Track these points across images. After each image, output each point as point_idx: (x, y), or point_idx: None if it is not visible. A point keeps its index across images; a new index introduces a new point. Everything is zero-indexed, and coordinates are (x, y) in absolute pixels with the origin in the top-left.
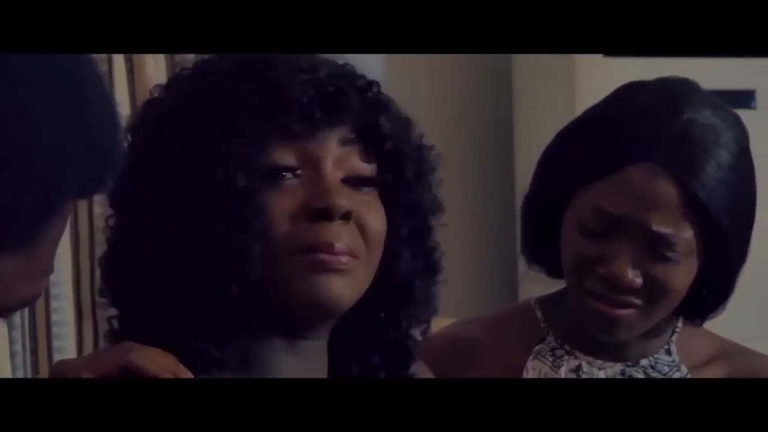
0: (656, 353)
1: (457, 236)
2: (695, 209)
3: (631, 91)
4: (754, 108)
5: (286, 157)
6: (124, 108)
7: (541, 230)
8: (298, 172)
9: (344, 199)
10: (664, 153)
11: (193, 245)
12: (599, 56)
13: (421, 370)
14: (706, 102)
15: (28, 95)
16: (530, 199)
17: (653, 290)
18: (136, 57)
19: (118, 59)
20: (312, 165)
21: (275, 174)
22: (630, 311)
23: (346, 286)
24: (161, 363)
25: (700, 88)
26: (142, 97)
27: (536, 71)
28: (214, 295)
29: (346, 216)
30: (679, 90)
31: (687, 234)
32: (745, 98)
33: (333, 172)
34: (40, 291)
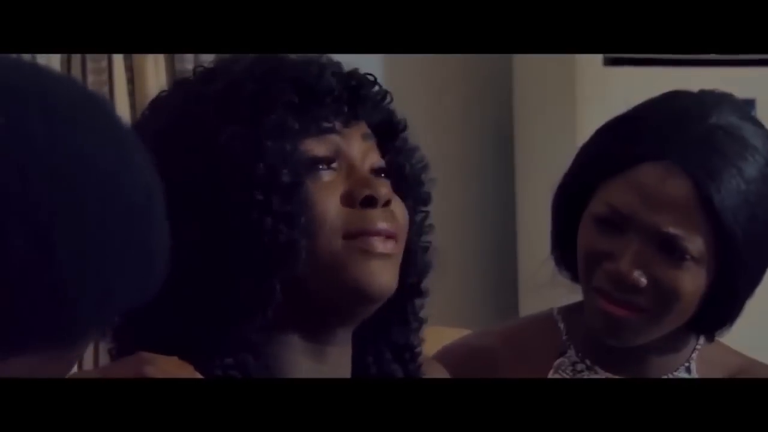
0: (676, 371)
1: (458, 243)
2: (709, 215)
3: (668, 95)
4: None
5: (321, 149)
6: (123, 108)
7: (569, 228)
8: (333, 165)
9: (384, 188)
10: (683, 152)
11: (240, 245)
12: (600, 66)
13: (434, 369)
14: (736, 112)
15: (102, 206)
16: (560, 193)
17: (659, 293)
18: (136, 57)
19: (118, 59)
20: (344, 157)
21: (313, 167)
22: (634, 313)
23: (391, 272)
24: (178, 374)
25: (735, 99)
26: (142, 97)
27: (537, 80)
28: (264, 292)
29: (387, 203)
30: (710, 97)
31: (697, 239)
32: None
33: (362, 164)
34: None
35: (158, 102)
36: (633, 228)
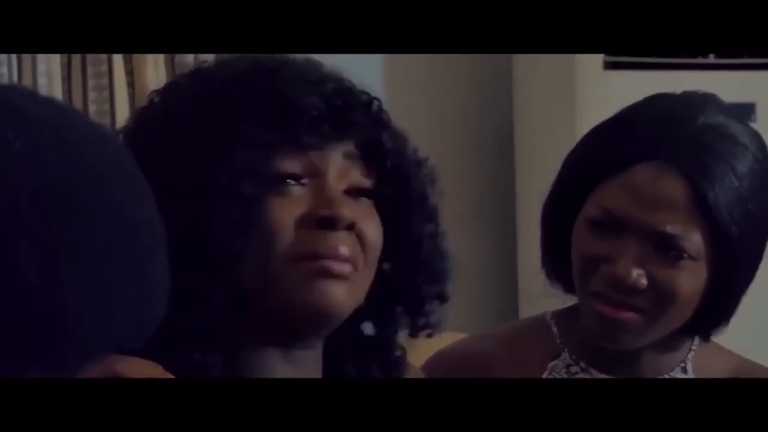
0: (672, 371)
1: (457, 246)
2: (703, 213)
3: (653, 98)
4: (754, 121)
5: (292, 165)
6: (124, 113)
7: (560, 238)
8: (303, 181)
9: (348, 210)
10: (675, 151)
11: (188, 248)
12: (600, 69)
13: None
14: (722, 111)
15: (110, 240)
16: (549, 203)
17: (658, 294)
18: (136, 57)
19: (118, 60)
20: (317, 175)
21: (280, 181)
22: (634, 315)
23: (345, 293)
24: (148, 373)
25: (720, 99)
26: (142, 101)
27: (537, 83)
28: (205, 299)
29: (350, 227)
30: (696, 98)
31: (694, 237)
32: (745, 111)
33: (336, 184)
34: None
35: (154, 93)
36: (629, 229)
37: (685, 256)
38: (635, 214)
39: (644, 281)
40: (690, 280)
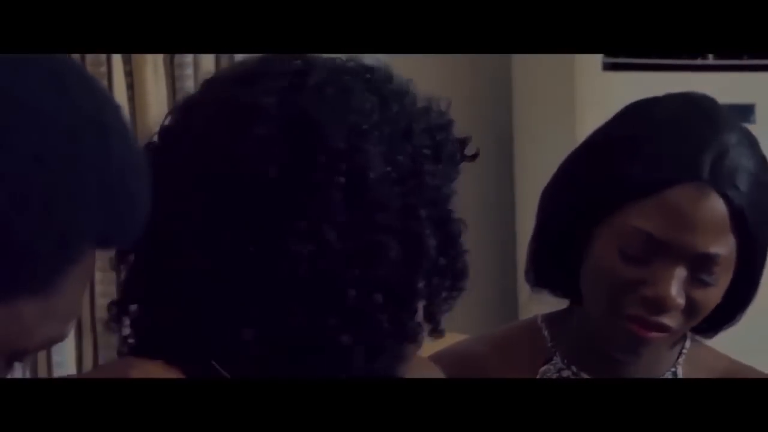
0: (662, 375)
1: None
2: (737, 225)
3: (646, 107)
4: (754, 122)
5: None
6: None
7: (554, 261)
8: None
9: None
10: (709, 170)
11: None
12: (599, 70)
13: (425, 366)
14: (731, 117)
15: (48, 139)
16: (542, 234)
17: (690, 310)
18: (135, 58)
19: (117, 60)
20: None
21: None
22: (664, 335)
23: None
24: (159, 375)
25: (720, 104)
26: (141, 103)
27: (536, 83)
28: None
29: None
30: (704, 105)
31: (730, 251)
32: (744, 112)
33: None
34: (65, 333)
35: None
36: (668, 251)
37: (718, 273)
38: (678, 236)
39: (682, 301)
40: (719, 292)
